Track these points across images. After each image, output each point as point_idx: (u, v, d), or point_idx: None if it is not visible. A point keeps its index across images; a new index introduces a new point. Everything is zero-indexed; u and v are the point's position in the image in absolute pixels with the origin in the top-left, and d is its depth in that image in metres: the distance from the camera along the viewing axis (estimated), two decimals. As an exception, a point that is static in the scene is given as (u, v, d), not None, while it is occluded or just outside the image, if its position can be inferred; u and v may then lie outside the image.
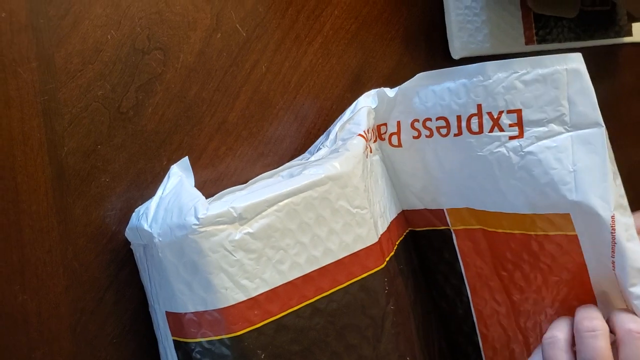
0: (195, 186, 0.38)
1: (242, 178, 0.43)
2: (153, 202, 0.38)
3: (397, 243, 0.46)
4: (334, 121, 0.47)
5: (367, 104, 0.46)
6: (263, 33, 0.44)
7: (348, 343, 0.39)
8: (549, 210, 0.40)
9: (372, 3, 0.49)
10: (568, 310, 0.43)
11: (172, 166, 0.40)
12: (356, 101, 0.47)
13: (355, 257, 0.40)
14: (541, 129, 0.40)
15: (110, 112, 0.39)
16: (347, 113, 0.47)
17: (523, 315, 0.46)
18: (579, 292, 0.42)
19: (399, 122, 0.46)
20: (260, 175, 0.43)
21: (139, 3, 0.39)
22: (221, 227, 0.35)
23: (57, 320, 0.37)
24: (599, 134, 0.39)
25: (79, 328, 0.38)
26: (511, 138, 0.41)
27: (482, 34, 0.54)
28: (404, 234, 0.48)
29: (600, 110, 0.61)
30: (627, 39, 0.64)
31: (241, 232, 0.36)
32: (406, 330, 0.43)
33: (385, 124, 0.46)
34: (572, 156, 0.39)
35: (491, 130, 0.41)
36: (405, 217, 0.49)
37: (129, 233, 0.39)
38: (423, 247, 0.50)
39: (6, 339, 0.36)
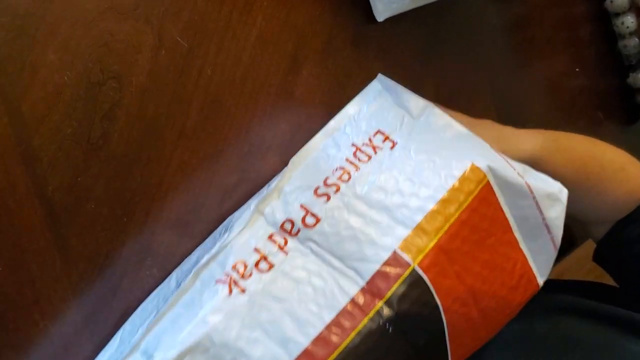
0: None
1: (208, 172, 0.48)
2: None
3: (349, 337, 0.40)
4: (279, 105, 0.52)
5: (243, 221, 0.44)
6: (203, 39, 0.48)
7: None
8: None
9: (296, -13, 0.52)
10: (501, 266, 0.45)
11: None
12: (230, 217, 0.48)
13: None
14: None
15: (82, 145, 0.43)
16: (216, 246, 0.44)
17: (482, 298, 0.44)
18: (504, 240, 0.45)
19: (301, 205, 0.45)
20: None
21: (86, 40, 0.42)
22: None
23: (76, 336, 0.43)
24: None
25: (96, 336, 0.44)
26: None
27: (401, -8, 0.58)
28: (368, 317, 0.41)
29: (517, 30, 0.65)
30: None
31: None
32: None
33: (289, 220, 0.44)
34: None
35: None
36: (369, 292, 0.41)
37: None
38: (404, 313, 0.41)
39: (37, 360, 0.42)
